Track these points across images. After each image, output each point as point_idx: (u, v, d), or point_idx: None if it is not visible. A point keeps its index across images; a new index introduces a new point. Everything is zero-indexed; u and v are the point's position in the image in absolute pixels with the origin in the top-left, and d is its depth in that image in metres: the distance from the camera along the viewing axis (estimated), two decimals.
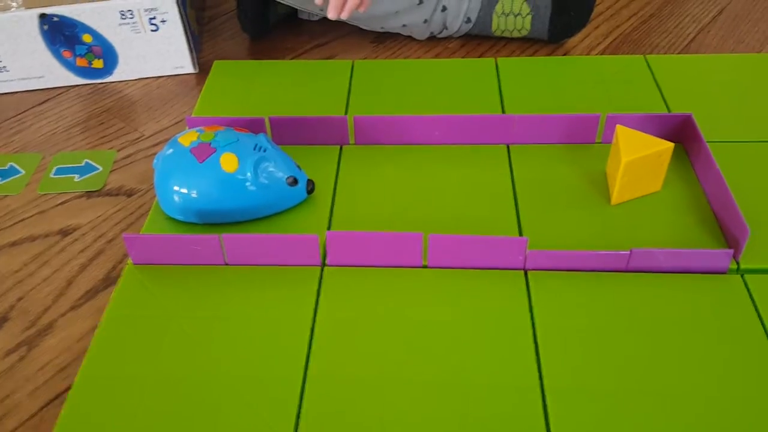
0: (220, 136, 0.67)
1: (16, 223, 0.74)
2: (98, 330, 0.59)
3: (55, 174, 0.79)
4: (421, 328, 0.58)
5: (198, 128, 0.69)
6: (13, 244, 0.71)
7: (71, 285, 0.67)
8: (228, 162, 0.66)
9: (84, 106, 0.91)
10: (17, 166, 0.81)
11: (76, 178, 0.79)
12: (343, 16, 0.80)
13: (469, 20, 0.95)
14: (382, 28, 0.97)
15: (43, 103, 0.92)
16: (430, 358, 0.56)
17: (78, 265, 0.69)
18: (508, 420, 0.52)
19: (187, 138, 0.68)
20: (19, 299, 0.66)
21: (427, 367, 0.55)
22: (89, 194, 0.77)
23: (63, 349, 0.61)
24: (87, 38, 0.90)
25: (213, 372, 0.56)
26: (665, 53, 0.94)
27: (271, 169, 0.67)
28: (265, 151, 0.67)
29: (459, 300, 0.61)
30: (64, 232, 0.72)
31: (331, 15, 0.80)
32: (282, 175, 0.68)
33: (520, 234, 0.66)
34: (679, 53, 0.94)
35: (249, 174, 0.66)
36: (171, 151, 0.68)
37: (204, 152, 0.66)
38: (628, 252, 0.61)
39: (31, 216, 0.74)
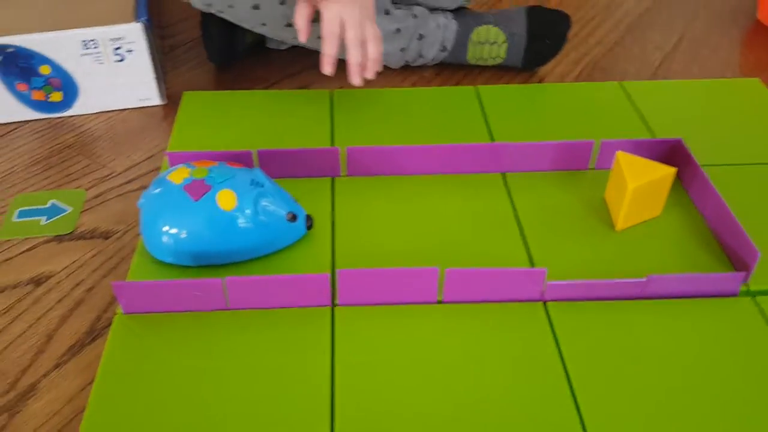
0: (214, 172, 0.63)
1: None
2: (94, 389, 0.54)
3: (18, 217, 0.73)
4: (449, 368, 0.56)
5: (188, 164, 0.65)
6: None
7: (52, 340, 0.60)
8: (225, 199, 0.62)
9: (42, 143, 0.84)
10: None
11: (43, 220, 0.72)
12: (369, 76, 0.75)
13: (444, 48, 0.94)
14: None
15: None
16: (467, 400, 0.53)
17: (57, 317, 0.63)
18: None
19: (178, 175, 0.63)
20: None
21: (465, 410, 0.53)
22: (60, 238, 0.71)
23: (51, 413, 0.55)
24: (45, 70, 0.84)
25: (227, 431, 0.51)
26: (635, 79, 0.96)
27: (269, 205, 0.63)
28: (262, 186, 0.64)
29: (481, 336, 0.58)
30: (37, 281, 0.66)
31: (356, 81, 0.74)
32: (281, 211, 0.64)
33: (531, 263, 0.65)
34: (648, 79, 0.96)
35: (248, 211, 0.62)
36: (160, 189, 0.63)
37: (199, 190, 0.62)
38: (645, 279, 0.60)
39: None
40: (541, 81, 0.95)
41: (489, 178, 0.75)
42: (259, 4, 0.83)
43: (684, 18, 1.12)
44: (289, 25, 0.86)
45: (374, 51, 0.73)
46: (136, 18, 0.84)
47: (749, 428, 0.52)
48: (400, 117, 0.84)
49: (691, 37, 1.06)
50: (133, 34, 0.83)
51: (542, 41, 0.92)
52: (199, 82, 0.96)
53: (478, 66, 0.98)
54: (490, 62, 0.96)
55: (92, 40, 0.83)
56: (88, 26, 0.83)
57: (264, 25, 0.87)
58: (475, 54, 0.95)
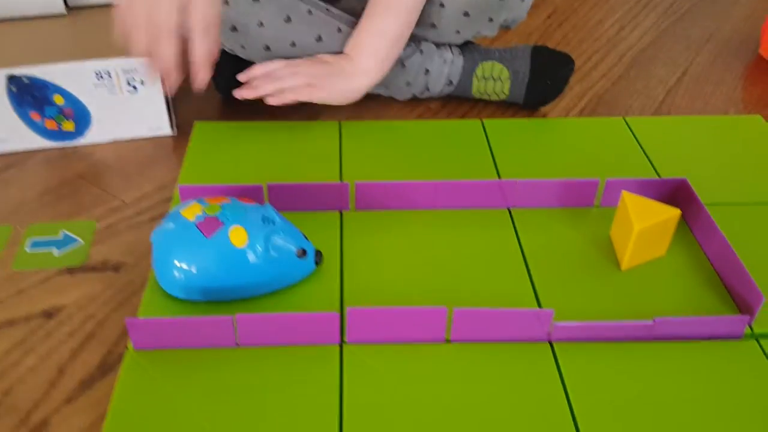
0: (226, 209, 0.64)
1: None
2: (106, 426, 0.54)
3: (31, 248, 0.73)
4: (456, 408, 0.56)
5: (200, 200, 0.66)
6: None
7: (63, 374, 0.61)
8: (237, 236, 0.63)
9: (54, 172, 0.85)
10: None
11: (55, 252, 0.73)
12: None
13: (450, 83, 0.96)
14: None
15: (7, 169, 0.85)
16: None
17: (68, 350, 0.63)
18: None
19: (191, 211, 0.64)
20: (5, 394, 0.59)
21: None
22: (71, 270, 0.71)
23: None
24: (58, 99, 0.85)
25: None
26: (639, 114, 0.97)
27: (280, 242, 0.64)
28: (273, 223, 0.65)
29: (488, 375, 0.59)
30: (48, 314, 0.66)
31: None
32: (292, 247, 0.65)
33: (537, 300, 0.66)
34: (652, 114, 0.97)
35: (259, 248, 0.63)
36: (172, 225, 0.64)
37: (211, 226, 0.63)
38: (651, 321, 0.61)
39: (9, 296, 0.68)
40: (545, 115, 0.97)
41: (496, 214, 0.76)
42: (270, 45, 0.85)
43: (687, 52, 1.14)
44: None
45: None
46: None
47: None
48: (407, 149, 0.86)
49: (694, 72, 1.08)
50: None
51: (544, 82, 0.94)
52: (206, 112, 0.97)
53: (483, 99, 0.99)
54: (494, 97, 0.97)
55: (106, 71, 0.84)
56: (102, 57, 0.84)
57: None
58: (479, 88, 0.96)
